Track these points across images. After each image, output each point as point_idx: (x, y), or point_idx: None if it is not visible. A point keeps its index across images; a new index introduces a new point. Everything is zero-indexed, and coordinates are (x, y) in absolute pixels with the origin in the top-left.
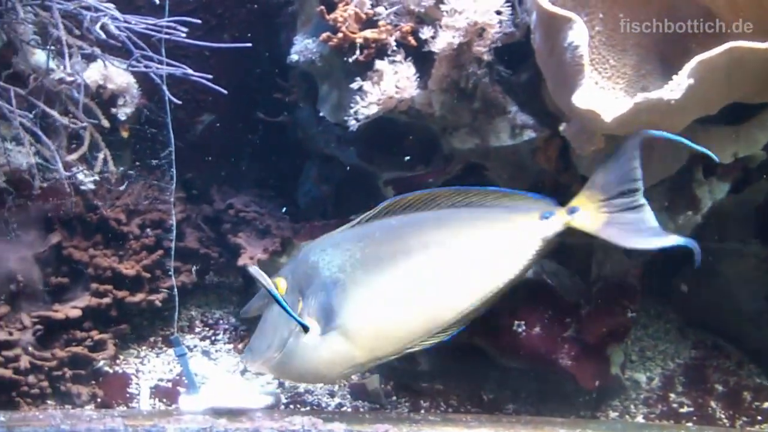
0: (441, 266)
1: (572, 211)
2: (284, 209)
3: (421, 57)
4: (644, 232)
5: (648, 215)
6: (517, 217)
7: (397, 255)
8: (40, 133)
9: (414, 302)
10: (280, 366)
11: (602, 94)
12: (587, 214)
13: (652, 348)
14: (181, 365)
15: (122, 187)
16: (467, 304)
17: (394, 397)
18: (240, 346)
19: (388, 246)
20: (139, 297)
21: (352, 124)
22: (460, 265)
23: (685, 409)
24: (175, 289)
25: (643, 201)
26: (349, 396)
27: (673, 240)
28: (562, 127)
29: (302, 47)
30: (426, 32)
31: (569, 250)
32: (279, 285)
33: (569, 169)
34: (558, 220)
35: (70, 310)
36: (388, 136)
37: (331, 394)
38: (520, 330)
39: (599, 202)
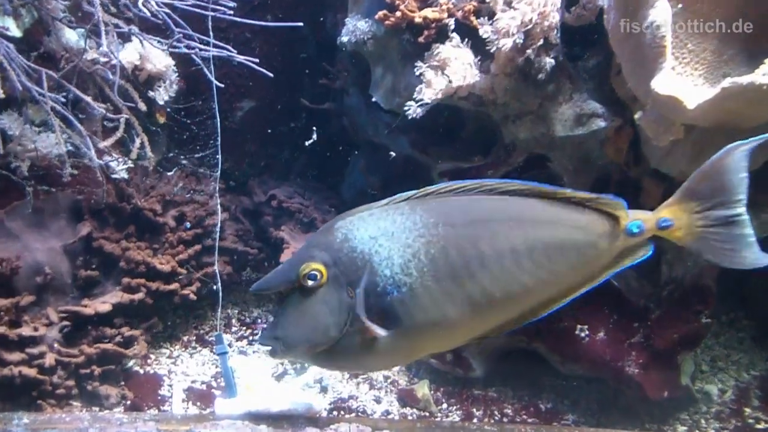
0: (513, 279)
1: (664, 224)
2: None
3: (483, 39)
4: (744, 249)
5: (748, 231)
6: (600, 226)
7: (471, 264)
8: (71, 117)
9: (485, 312)
10: (325, 358)
11: (681, 81)
12: (681, 227)
13: (725, 358)
14: (221, 365)
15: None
16: (532, 315)
17: (445, 405)
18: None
19: (459, 251)
20: (173, 285)
21: (412, 111)
22: (533, 279)
23: (762, 425)
24: (219, 281)
25: (745, 216)
26: (396, 402)
27: None
28: (637, 116)
29: (353, 28)
30: (490, 12)
31: None
32: (319, 271)
33: (640, 163)
34: (646, 234)
35: (100, 305)
36: (443, 125)
37: (377, 400)
38: (582, 335)
39: (694, 213)
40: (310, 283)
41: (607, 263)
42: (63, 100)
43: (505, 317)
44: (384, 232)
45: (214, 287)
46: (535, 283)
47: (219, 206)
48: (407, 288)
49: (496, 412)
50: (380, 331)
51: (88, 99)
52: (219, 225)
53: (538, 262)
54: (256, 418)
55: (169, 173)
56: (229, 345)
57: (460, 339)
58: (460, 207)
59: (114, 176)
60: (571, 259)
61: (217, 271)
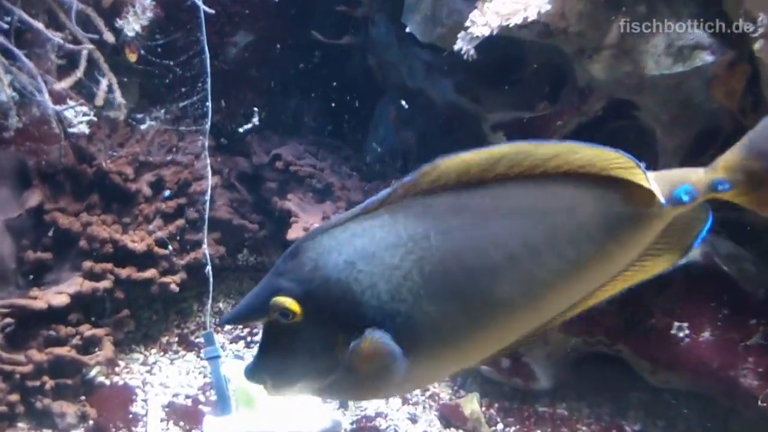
0: (534, 280)
1: (718, 185)
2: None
3: None
4: None
5: None
6: (632, 195)
7: (479, 275)
8: (16, 50)
9: (505, 325)
10: (326, 392)
11: None
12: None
13: None
14: (212, 374)
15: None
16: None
17: (500, 425)
18: None
19: (461, 263)
20: (150, 272)
21: (462, 46)
22: (558, 275)
23: None
24: (209, 264)
25: None
26: (437, 421)
27: None
28: (757, 46)
29: None
30: None
31: (752, 225)
32: (290, 310)
33: (759, 108)
34: (699, 200)
35: (54, 296)
36: (499, 63)
37: (413, 419)
38: (681, 335)
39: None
40: (282, 320)
41: (649, 243)
42: (5, 26)
43: (530, 325)
44: (362, 254)
45: (206, 271)
46: (562, 280)
47: (209, 169)
48: (402, 317)
49: None
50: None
51: (39, 25)
52: (209, 193)
53: (562, 252)
54: None
55: (143, 126)
56: (222, 348)
57: (478, 358)
58: (451, 207)
59: (72, 130)
60: (604, 241)
61: (206, 251)
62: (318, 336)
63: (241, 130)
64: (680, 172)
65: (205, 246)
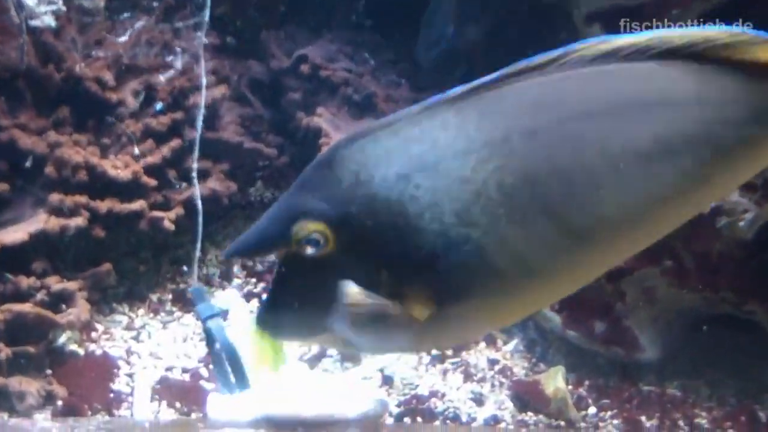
0: (649, 196)
1: None
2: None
3: None
4: None
5: None
6: None
7: (577, 186)
8: None
9: (603, 253)
10: (355, 341)
11: None
12: None
13: None
14: (209, 340)
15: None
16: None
17: (593, 409)
18: None
19: (552, 172)
20: (137, 204)
21: None
22: (677, 191)
23: None
24: (198, 197)
25: None
26: (509, 402)
27: None
28: None
29: None
30: None
31: None
32: (323, 235)
33: None
34: None
35: (10, 234)
36: None
37: (478, 400)
38: None
39: None
40: (309, 250)
41: None
42: None
43: (631, 254)
44: (420, 165)
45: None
46: (681, 196)
47: (203, 73)
48: (472, 245)
49: (680, 422)
50: (427, 312)
51: None
52: (203, 104)
53: (683, 166)
54: (277, 426)
55: (124, 15)
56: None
57: (557, 297)
58: (538, 100)
59: (34, 23)
60: (738, 153)
61: (195, 182)
62: (354, 274)
63: None
64: None
65: (194, 174)
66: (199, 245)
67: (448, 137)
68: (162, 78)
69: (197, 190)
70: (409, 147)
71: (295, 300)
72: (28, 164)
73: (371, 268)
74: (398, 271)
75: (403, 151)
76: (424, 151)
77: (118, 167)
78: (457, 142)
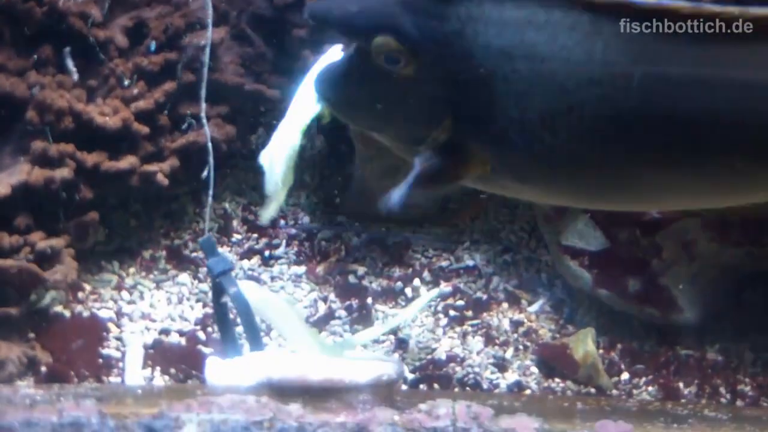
0: None
1: None
2: None
3: None
4: None
5: None
6: None
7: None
8: None
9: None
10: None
11: None
12: None
13: None
14: (215, 297)
15: None
16: None
17: (626, 375)
18: (320, 269)
19: (641, 131)
20: (128, 162)
21: None
22: None
23: None
24: (209, 142)
25: None
26: (534, 368)
27: None
28: None
29: None
30: None
31: None
32: (403, 55)
33: None
34: None
35: None
36: None
37: (500, 365)
38: None
39: None
40: (386, 65)
41: None
42: None
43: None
44: (529, 53)
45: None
46: None
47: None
48: (543, 147)
49: (722, 389)
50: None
51: None
52: (209, 44)
53: None
54: (282, 391)
55: None
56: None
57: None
58: (678, 49)
59: None
60: None
61: (205, 126)
62: (421, 104)
63: None
64: None
65: (202, 114)
66: (211, 191)
67: (572, 42)
68: (153, 13)
69: (207, 130)
70: (526, 30)
71: (365, 94)
72: (5, 109)
73: (437, 111)
74: (463, 127)
75: (519, 31)
76: (540, 42)
77: (106, 113)
78: (577, 53)
